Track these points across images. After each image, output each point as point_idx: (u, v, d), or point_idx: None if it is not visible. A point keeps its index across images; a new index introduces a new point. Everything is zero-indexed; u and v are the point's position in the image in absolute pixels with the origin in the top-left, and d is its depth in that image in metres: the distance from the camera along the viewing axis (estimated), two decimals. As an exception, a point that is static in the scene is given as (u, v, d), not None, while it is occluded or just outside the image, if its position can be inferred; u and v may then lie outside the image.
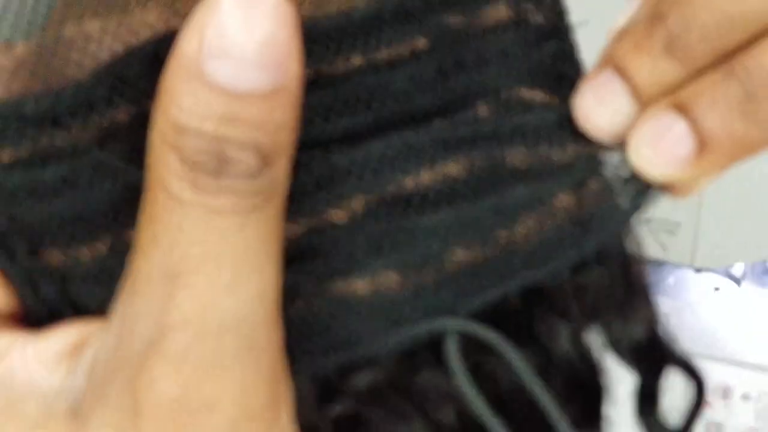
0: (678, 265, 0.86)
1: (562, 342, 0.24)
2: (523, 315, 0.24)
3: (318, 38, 0.22)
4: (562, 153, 0.23)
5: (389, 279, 0.22)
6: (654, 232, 0.81)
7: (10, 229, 0.22)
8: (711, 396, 0.82)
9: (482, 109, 0.23)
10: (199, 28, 0.19)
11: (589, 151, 0.23)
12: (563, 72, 0.24)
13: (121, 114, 0.21)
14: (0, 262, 0.22)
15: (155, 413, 0.20)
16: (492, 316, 0.23)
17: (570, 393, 0.25)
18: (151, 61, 0.21)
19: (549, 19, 0.24)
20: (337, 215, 0.22)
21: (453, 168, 0.22)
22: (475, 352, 0.23)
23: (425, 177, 0.22)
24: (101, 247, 0.22)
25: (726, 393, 0.82)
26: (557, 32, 0.24)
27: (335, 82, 0.22)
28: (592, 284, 0.24)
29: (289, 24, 0.19)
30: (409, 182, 0.22)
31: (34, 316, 0.22)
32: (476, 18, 0.23)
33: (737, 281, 0.87)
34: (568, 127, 0.23)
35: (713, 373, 0.83)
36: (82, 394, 0.20)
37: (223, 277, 0.20)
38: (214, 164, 0.19)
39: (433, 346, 0.22)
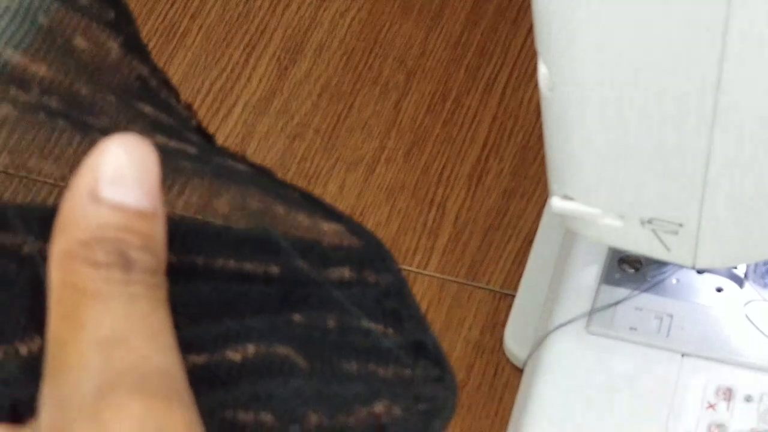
0: (680, 266, 0.86)
1: None
2: None
3: (207, 235, 0.28)
4: (386, 371, 0.29)
5: (267, 419, 0.27)
6: (657, 232, 0.82)
7: None
8: (713, 397, 0.82)
9: (330, 322, 0.29)
10: (92, 168, 0.24)
11: (407, 376, 0.29)
12: (400, 317, 0.30)
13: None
14: None
15: None
16: None
17: None
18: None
19: (388, 280, 0.30)
20: (234, 355, 0.27)
21: (300, 361, 0.28)
22: None
23: (290, 352, 0.28)
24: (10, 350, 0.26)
25: (728, 394, 0.82)
26: (396, 291, 0.30)
27: (213, 275, 0.28)
28: None
29: (157, 162, 0.25)
30: (281, 350, 0.28)
31: None
32: (322, 271, 0.29)
33: (740, 282, 0.87)
34: (395, 353, 0.29)
35: (715, 375, 0.83)
36: None
37: (151, 343, 0.24)
38: (123, 262, 0.24)
39: None
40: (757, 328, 0.84)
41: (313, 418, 0.27)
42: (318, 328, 0.29)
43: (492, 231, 1.03)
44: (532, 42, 0.69)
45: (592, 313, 0.87)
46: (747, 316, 0.85)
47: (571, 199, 0.75)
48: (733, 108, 0.62)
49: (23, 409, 0.25)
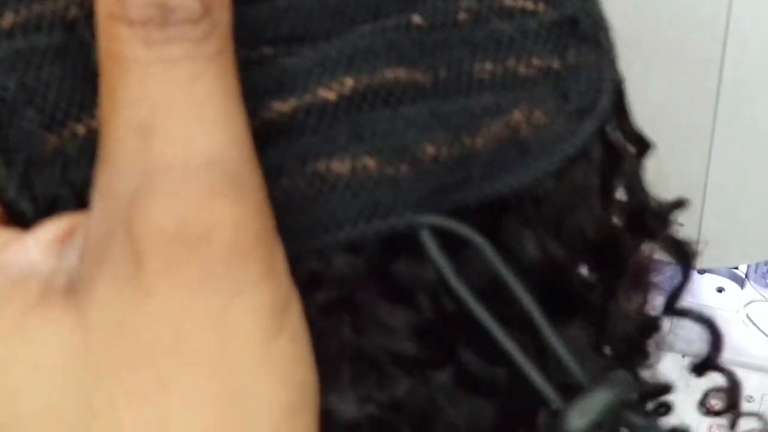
0: (681, 266, 0.85)
1: (530, 250, 0.24)
2: (486, 226, 0.23)
3: None
4: (527, 67, 0.23)
5: (368, 163, 0.22)
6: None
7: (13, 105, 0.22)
8: (714, 398, 0.82)
9: (462, 15, 0.23)
10: None
11: (555, 67, 0.24)
12: None
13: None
14: None
15: (156, 252, 0.20)
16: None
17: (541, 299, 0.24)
18: None
19: None
20: (327, 94, 0.22)
21: (419, 75, 0.23)
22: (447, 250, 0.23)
23: (400, 73, 0.23)
24: (95, 124, 0.22)
25: (729, 395, 0.82)
26: None
27: None
28: (552, 194, 0.24)
29: None
30: (389, 74, 0.23)
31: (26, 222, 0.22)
32: None
33: (741, 282, 0.86)
34: (545, 35, 0.24)
35: (716, 375, 0.83)
36: (77, 270, 0.21)
37: (195, 121, 0.20)
38: (159, 15, 0.20)
39: (406, 237, 0.23)
40: (759, 329, 0.84)
41: (429, 150, 0.22)
42: (445, 26, 0.23)
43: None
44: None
45: (591, 313, 0.86)
46: (748, 316, 0.85)
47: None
48: (734, 104, 0.62)
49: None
